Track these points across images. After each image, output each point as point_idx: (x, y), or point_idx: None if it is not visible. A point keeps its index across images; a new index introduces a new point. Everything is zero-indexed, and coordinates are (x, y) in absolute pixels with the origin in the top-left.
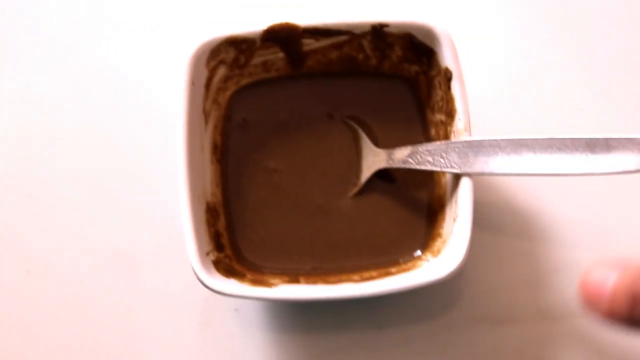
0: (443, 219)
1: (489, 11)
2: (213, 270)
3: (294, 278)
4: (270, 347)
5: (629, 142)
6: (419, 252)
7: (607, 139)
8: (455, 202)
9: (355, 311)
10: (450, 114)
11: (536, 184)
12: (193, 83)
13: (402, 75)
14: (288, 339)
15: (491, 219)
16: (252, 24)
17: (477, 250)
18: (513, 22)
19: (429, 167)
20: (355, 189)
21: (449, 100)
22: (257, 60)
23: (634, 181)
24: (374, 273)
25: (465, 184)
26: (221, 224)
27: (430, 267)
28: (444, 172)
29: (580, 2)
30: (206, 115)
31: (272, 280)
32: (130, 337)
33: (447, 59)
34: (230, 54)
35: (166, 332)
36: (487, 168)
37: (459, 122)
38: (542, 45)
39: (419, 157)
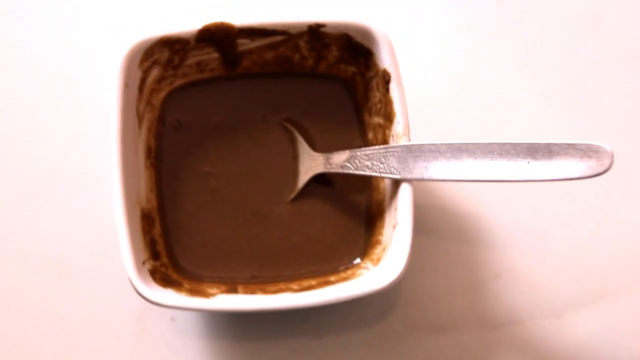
0: (382, 225)
1: (428, 12)
2: (150, 280)
3: (232, 287)
4: (207, 357)
5: (571, 148)
6: (358, 260)
7: (548, 145)
8: (395, 208)
9: (295, 320)
10: (388, 117)
11: (476, 188)
12: (126, 85)
13: (339, 77)
14: (226, 348)
15: (429, 223)
16: (186, 23)
17: (416, 255)
18: (452, 22)
19: (367, 173)
20: (293, 194)
21: (387, 102)
22: (191, 60)
23: (574, 186)
24: (313, 282)
25: (405, 190)
26: (156, 230)
27: (370, 276)
28: (382, 177)
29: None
30: (140, 117)
31: (210, 290)
32: (64, 345)
33: (385, 60)
34: (164, 55)
35: (101, 341)
36: (427, 174)
37: (397, 126)
38: (482, 47)
39: (357, 162)
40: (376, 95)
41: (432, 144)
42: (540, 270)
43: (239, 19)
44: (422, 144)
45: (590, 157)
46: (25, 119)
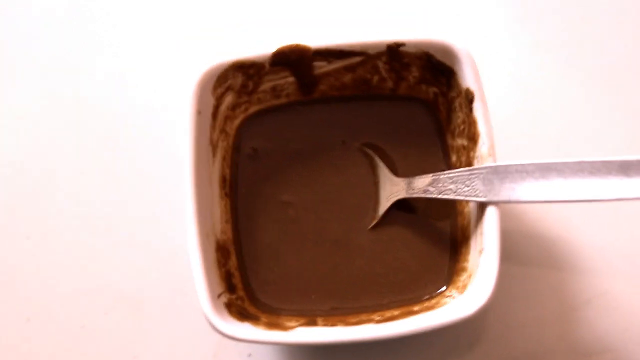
0: (468, 252)
1: (509, 28)
2: (225, 313)
3: (311, 320)
4: None
5: None
6: (443, 288)
7: None
8: (481, 233)
9: (378, 352)
10: (472, 138)
11: (563, 209)
12: (199, 112)
13: (420, 98)
14: None
15: (516, 248)
16: (260, 47)
17: (503, 282)
18: (532, 38)
19: (451, 196)
20: (374, 221)
21: (471, 123)
22: (266, 85)
23: None
24: (395, 312)
25: (491, 214)
26: (232, 263)
27: (456, 304)
28: (467, 201)
29: (610, 16)
30: (214, 146)
31: (288, 323)
32: None
33: (467, 79)
34: (238, 80)
35: None
36: (514, 195)
37: (482, 147)
38: (565, 61)
39: (440, 185)
40: (459, 116)
41: (519, 164)
42: (634, 296)
43: (315, 40)
44: (509, 165)
45: None
46: (100, 152)
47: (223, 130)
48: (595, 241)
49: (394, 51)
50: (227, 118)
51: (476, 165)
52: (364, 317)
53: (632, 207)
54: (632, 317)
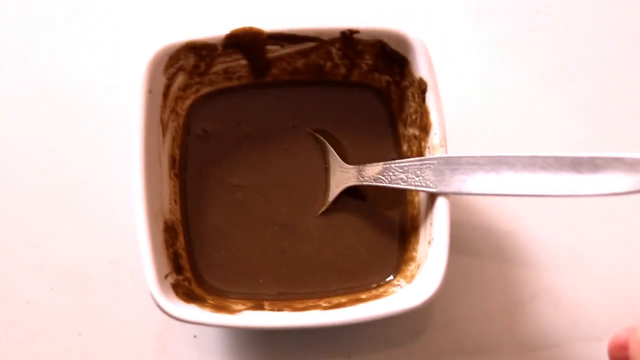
0: (417, 241)
1: (465, 19)
2: (172, 294)
3: (258, 304)
4: None
5: (617, 161)
6: (391, 277)
7: (593, 158)
8: (431, 223)
9: (323, 339)
10: (424, 128)
11: (515, 204)
12: (150, 91)
13: (373, 86)
14: None
15: (466, 240)
16: (213, 28)
17: (451, 274)
18: (490, 30)
19: (402, 186)
20: (323, 207)
21: (423, 113)
22: (218, 67)
23: (618, 203)
24: (343, 299)
25: (442, 204)
26: (180, 244)
27: (404, 294)
28: (418, 191)
29: (566, 12)
30: (164, 126)
31: (235, 306)
32: None
33: (421, 69)
34: (190, 61)
35: (119, 358)
36: (465, 187)
37: (434, 137)
38: (521, 56)
39: (391, 174)
40: (411, 106)
41: (471, 156)
42: (581, 291)
43: (269, 24)
44: (460, 156)
45: (637, 171)
46: (46, 129)
47: (174, 111)
48: (544, 236)
49: (348, 38)
50: (178, 98)
51: (427, 155)
52: (310, 303)
53: (581, 203)
54: (578, 313)
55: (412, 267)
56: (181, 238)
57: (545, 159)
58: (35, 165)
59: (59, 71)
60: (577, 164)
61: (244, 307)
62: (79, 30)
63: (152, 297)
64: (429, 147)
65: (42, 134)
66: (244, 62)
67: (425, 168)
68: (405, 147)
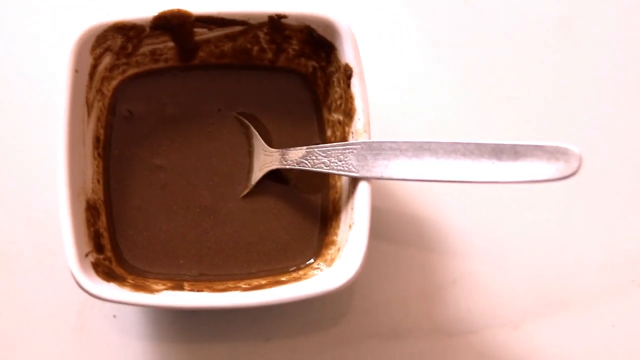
0: (338, 225)
1: (392, 7)
2: (92, 272)
3: (178, 284)
4: (149, 357)
5: (538, 149)
6: (311, 260)
7: (514, 146)
8: (352, 207)
9: (242, 321)
10: (349, 113)
11: (436, 192)
12: (76, 71)
13: (299, 71)
14: (169, 349)
15: (387, 226)
16: (141, 10)
17: (371, 259)
18: (416, 19)
19: (324, 170)
20: (246, 190)
21: (348, 99)
22: (145, 49)
23: (537, 192)
24: (263, 281)
25: (363, 189)
26: (102, 223)
27: (323, 277)
28: (340, 175)
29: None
30: (89, 106)
31: (155, 286)
32: None
33: (347, 55)
34: (117, 41)
35: (38, 337)
36: (387, 172)
37: (357, 122)
38: (448, 44)
39: (314, 158)
40: (337, 91)
41: (393, 142)
42: (499, 278)
43: (197, 6)
44: (383, 142)
45: (558, 159)
46: None
47: (99, 91)
48: (463, 223)
49: (276, 22)
50: (104, 79)
51: (351, 140)
52: (230, 284)
53: (501, 190)
54: (496, 299)
55: (332, 250)
56: (103, 217)
57: (466, 145)
58: None
59: None
60: (499, 151)
61: (163, 287)
62: (7, 9)
63: (72, 274)
64: (352, 133)
65: None
66: (171, 44)
67: (348, 153)
68: (329, 133)
